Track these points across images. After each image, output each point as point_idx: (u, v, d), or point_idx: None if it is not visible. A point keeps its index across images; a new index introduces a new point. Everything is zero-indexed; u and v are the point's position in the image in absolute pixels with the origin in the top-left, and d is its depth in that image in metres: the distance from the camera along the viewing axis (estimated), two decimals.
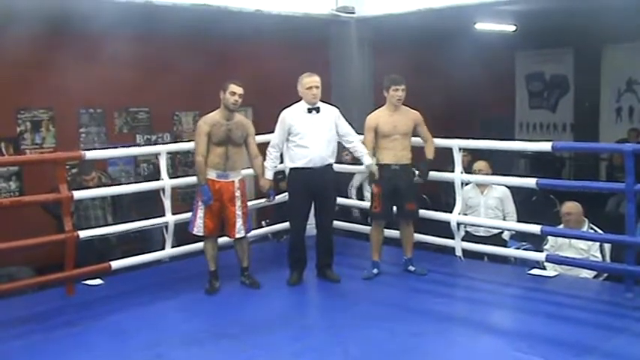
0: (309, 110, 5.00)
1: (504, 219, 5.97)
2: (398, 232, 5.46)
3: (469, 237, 5.79)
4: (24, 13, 5.87)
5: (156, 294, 4.91)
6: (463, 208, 5.78)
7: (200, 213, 4.86)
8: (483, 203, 5.99)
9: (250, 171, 5.20)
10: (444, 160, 5.70)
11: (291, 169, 5.07)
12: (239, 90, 4.82)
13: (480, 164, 6.11)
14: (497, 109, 12.51)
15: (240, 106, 4.91)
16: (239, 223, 4.88)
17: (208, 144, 4.78)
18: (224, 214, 4.91)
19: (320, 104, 5.04)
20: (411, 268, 5.30)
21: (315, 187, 5.00)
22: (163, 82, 8.47)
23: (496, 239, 5.87)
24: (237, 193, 4.89)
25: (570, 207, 5.34)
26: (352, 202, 6.95)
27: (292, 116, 5.01)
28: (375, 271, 5.24)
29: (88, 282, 5.07)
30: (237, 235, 4.91)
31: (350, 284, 5.10)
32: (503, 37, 10.63)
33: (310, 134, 4.95)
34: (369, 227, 5.54)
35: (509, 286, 5.09)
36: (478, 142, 5.58)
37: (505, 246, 5.73)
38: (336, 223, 5.46)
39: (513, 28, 10.14)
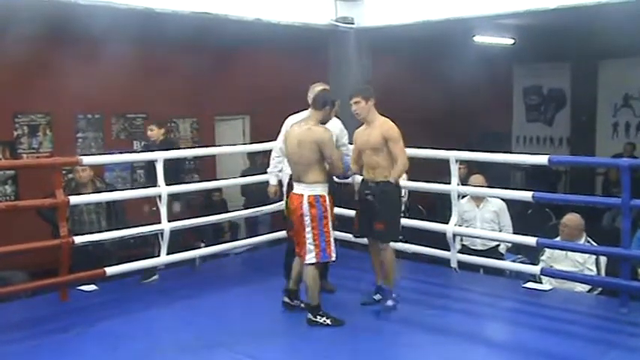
0: None
1: (500, 232, 5.97)
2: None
3: (466, 250, 5.79)
4: (23, 17, 5.88)
5: (150, 301, 4.89)
6: (459, 221, 5.79)
7: (332, 233, 4.38)
8: (479, 217, 5.99)
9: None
10: (440, 171, 5.71)
11: (290, 175, 5.07)
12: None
13: (477, 178, 6.09)
14: (494, 122, 12.56)
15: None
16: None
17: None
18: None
19: None
20: (377, 297, 4.79)
21: None
22: (161, 88, 8.49)
23: (493, 252, 5.87)
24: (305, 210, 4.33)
25: (569, 219, 5.34)
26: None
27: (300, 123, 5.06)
28: (377, 297, 4.84)
29: (83, 287, 5.05)
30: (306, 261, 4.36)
31: (344, 295, 5.08)
32: (501, 51, 10.70)
33: None
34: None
35: (505, 299, 5.09)
36: (475, 154, 5.58)
37: (501, 259, 5.73)
38: (336, 234, 5.44)
39: (512, 41, 10.21)
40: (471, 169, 6.50)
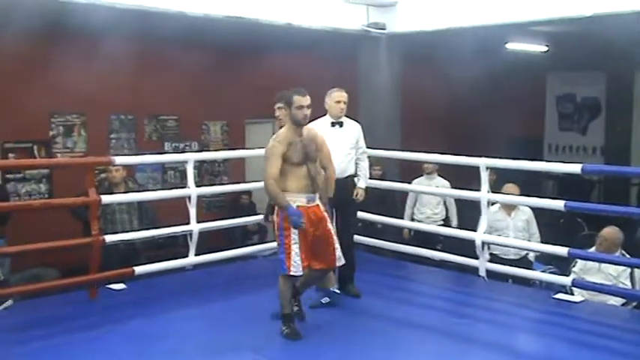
0: (333, 124, 5.11)
1: (529, 241, 5.89)
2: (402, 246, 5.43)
3: (496, 259, 5.71)
4: (61, 21, 6.00)
5: (177, 301, 4.93)
6: (489, 230, 5.73)
7: (296, 248, 4.10)
8: (512, 226, 5.90)
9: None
10: (470, 178, 5.66)
11: None
12: (307, 101, 4.22)
13: (510, 188, 5.97)
14: (526, 130, 12.39)
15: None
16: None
17: (285, 166, 4.17)
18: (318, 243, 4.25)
19: (344, 119, 5.15)
20: (325, 300, 4.80)
21: (333, 199, 5.02)
22: (193, 91, 8.58)
23: (523, 262, 5.78)
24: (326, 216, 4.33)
25: (609, 232, 5.20)
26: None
27: (317, 129, 5.04)
28: (326, 300, 4.82)
29: (112, 286, 5.11)
30: (338, 264, 4.35)
31: (369, 300, 5.06)
32: (534, 58, 10.56)
33: (332, 147, 4.97)
34: (393, 244, 5.52)
35: (534, 309, 5.00)
36: (506, 161, 5.50)
37: (531, 268, 5.64)
38: (360, 238, 5.44)
39: (545, 48, 10.07)
40: (499, 176, 6.41)
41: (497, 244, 5.78)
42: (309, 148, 4.23)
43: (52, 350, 3.99)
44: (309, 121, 4.37)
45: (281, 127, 4.55)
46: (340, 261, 4.32)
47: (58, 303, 4.89)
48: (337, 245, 4.29)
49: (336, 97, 5.06)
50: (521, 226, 5.90)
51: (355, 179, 5.23)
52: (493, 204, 5.82)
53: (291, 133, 4.23)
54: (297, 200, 4.14)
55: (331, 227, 4.34)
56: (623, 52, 9.47)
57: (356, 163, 5.27)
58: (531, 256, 5.90)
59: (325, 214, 4.32)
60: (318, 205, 4.27)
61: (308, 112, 4.21)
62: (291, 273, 4.09)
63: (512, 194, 5.85)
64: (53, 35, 6.63)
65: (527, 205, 5.79)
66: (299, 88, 4.25)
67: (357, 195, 5.17)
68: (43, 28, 6.48)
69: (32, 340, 4.09)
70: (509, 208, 5.92)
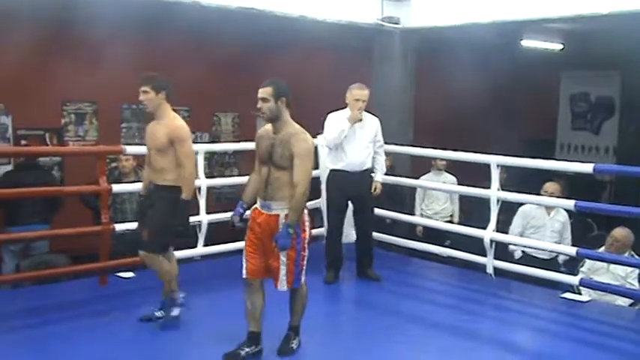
0: None
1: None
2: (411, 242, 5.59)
3: (527, 259, 5.65)
4: (76, 11, 6.03)
5: (185, 291, 4.93)
6: (524, 227, 5.74)
7: (245, 251, 3.81)
8: (550, 225, 5.78)
9: None
10: (479, 175, 5.64)
11: (330, 170, 5.30)
12: (261, 93, 3.77)
13: (552, 186, 5.71)
14: (538, 128, 12.31)
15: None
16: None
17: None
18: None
19: (363, 114, 5.22)
20: (159, 313, 4.31)
21: (351, 190, 5.20)
22: (205, 82, 8.58)
23: (552, 263, 5.66)
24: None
25: (621, 234, 5.16)
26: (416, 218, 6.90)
27: (340, 120, 5.20)
28: (160, 313, 4.33)
29: (121, 274, 5.15)
30: (279, 288, 3.78)
31: (376, 295, 5.08)
32: (548, 56, 10.48)
33: (351, 141, 5.18)
34: (402, 239, 5.54)
35: (540, 308, 4.99)
36: (517, 159, 5.49)
37: (559, 271, 5.50)
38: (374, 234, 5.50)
39: (560, 46, 9.99)
40: (509, 174, 6.38)
41: (509, 243, 5.74)
42: (274, 150, 3.70)
43: (60, 336, 4.04)
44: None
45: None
46: (281, 286, 3.74)
47: (68, 289, 4.95)
48: (283, 271, 3.70)
49: (356, 95, 5.13)
50: (557, 227, 5.78)
51: (372, 174, 5.33)
52: (521, 205, 5.76)
53: (269, 128, 3.83)
54: (258, 203, 3.81)
55: (284, 254, 3.66)
56: (639, 51, 9.37)
57: (373, 157, 5.35)
58: (561, 258, 5.77)
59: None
60: (274, 215, 3.69)
61: (260, 104, 3.74)
62: (244, 276, 3.77)
63: (553, 194, 5.63)
64: (66, 24, 6.65)
65: (537, 204, 5.75)
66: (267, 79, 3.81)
67: (375, 189, 5.27)
68: (57, 18, 6.51)
69: (42, 325, 4.14)
70: (549, 207, 5.78)
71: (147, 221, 4.21)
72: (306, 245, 3.77)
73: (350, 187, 5.19)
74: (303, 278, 3.82)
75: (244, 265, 3.77)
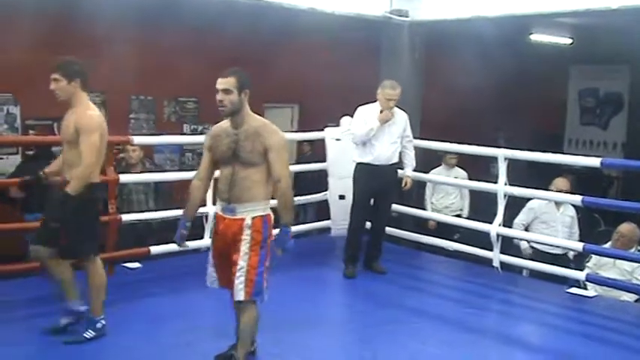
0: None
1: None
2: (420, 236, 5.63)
3: (538, 254, 5.64)
4: (86, 3, 6.04)
5: (190, 282, 4.94)
6: (530, 221, 5.74)
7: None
8: (560, 220, 5.76)
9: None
10: (482, 169, 5.62)
11: (357, 163, 5.31)
12: (220, 84, 3.42)
13: (561, 182, 5.71)
14: (546, 123, 12.27)
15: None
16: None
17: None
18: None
19: (393, 109, 5.25)
20: (65, 320, 3.86)
21: (377, 184, 5.24)
22: (213, 74, 8.58)
23: (563, 258, 5.64)
24: (246, 236, 3.32)
25: (628, 229, 5.17)
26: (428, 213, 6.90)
27: (369, 115, 5.24)
28: (65, 320, 3.87)
29: (127, 265, 5.18)
30: (235, 297, 3.37)
31: (383, 288, 5.08)
32: (557, 50, 10.42)
33: (380, 136, 5.22)
34: (410, 233, 5.53)
35: (546, 302, 4.99)
36: (524, 153, 5.46)
37: (569, 267, 5.49)
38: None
39: (569, 41, 9.94)
40: (520, 168, 6.35)
41: (515, 237, 5.74)
42: (240, 146, 3.34)
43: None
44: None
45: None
46: (237, 295, 3.32)
47: (75, 279, 4.95)
48: (241, 278, 3.29)
49: (388, 95, 5.18)
50: (568, 221, 5.76)
51: (397, 169, 5.37)
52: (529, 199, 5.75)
53: (225, 124, 3.46)
54: (217, 207, 3.46)
55: (244, 259, 3.29)
56: None
57: (401, 152, 5.40)
58: (571, 254, 5.73)
59: (248, 237, 3.28)
60: (239, 220, 3.32)
61: (221, 96, 3.37)
62: (207, 284, 3.53)
63: (562, 190, 5.62)
64: (75, 15, 6.66)
65: (544, 199, 5.73)
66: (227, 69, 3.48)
67: (405, 185, 5.33)
68: (65, 8, 6.52)
69: (47, 315, 4.15)
70: (558, 202, 5.76)
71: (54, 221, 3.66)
72: (269, 251, 3.34)
73: (376, 181, 5.22)
74: (266, 296, 3.35)
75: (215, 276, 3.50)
